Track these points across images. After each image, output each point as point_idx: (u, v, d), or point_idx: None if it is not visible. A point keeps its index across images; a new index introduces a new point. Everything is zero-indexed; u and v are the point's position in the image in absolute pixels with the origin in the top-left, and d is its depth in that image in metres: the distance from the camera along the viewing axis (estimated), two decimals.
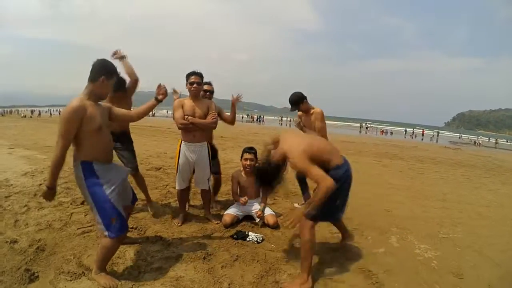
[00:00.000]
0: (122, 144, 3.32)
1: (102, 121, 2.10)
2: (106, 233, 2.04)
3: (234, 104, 3.43)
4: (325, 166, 2.15)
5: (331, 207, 2.22)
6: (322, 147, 2.27)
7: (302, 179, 3.89)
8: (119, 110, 2.36)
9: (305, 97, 3.55)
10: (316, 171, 1.99)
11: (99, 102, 2.17)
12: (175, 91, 3.19)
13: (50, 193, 2.03)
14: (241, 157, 3.52)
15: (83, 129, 1.99)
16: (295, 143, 2.16)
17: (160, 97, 2.38)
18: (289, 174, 3.96)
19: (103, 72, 2.07)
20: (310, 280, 2.20)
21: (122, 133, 3.31)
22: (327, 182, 1.95)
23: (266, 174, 2.28)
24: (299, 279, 2.21)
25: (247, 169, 3.44)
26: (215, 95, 3.53)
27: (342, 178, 2.19)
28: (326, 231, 3.18)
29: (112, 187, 2.07)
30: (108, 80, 2.09)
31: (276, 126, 32.41)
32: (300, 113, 3.71)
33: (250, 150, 3.48)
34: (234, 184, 3.53)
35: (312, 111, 3.57)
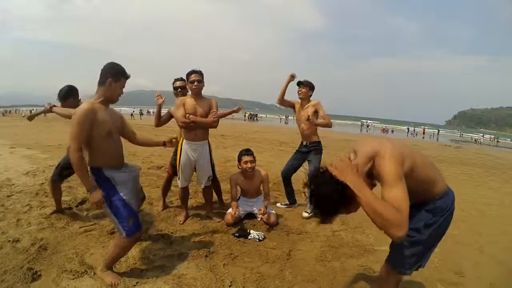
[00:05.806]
0: None
1: (112, 126, 2.11)
2: (124, 233, 2.05)
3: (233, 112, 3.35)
4: (427, 190, 1.50)
5: (426, 253, 1.59)
6: (424, 156, 1.53)
7: (288, 180, 3.90)
8: (128, 127, 2.38)
9: (313, 89, 3.76)
10: (403, 195, 1.21)
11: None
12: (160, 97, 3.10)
13: (94, 194, 1.95)
14: (239, 160, 3.36)
15: (94, 134, 1.99)
16: (389, 142, 1.38)
17: None
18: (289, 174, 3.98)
19: (109, 74, 2.06)
20: None
21: None
22: (402, 229, 1.14)
23: (330, 198, 1.26)
24: None
25: (249, 172, 3.30)
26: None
27: (449, 211, 1.54)
28: (327, 230, 3.18)
29: (126, 188, 2.09)
30: (116, 82, 2.08)
31: (273, 124, 32.37)
32: (297, 104, 3.86)
33: (248, 152, 3.35)
34: (233, 189, 3.38)
35: (308, 104, 3.71)
